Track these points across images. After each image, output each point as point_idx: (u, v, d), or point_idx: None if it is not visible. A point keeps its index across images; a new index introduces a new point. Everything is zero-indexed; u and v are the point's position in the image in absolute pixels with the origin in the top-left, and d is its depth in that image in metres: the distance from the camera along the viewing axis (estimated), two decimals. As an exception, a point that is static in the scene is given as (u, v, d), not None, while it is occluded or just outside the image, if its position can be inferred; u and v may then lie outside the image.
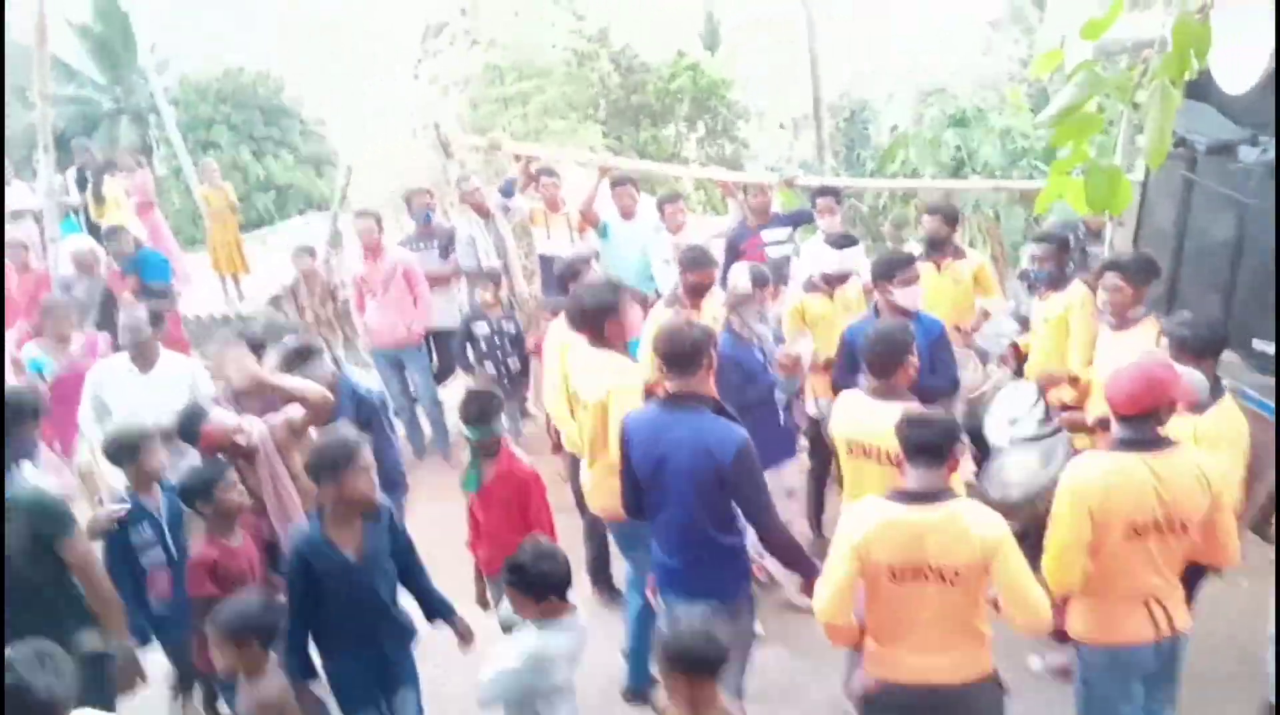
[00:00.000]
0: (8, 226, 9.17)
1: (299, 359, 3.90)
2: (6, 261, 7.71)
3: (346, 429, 3.23)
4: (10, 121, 17.56)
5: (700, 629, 2.45)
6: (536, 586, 2.86)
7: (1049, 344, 4.51)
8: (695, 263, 4.80)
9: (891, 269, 4.29)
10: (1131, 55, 3.41)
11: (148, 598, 3.61)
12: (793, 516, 4.16)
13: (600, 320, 3.69)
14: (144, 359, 4.71)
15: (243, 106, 19.33)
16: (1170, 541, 2.78)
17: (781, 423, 4.35)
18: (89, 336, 5.88)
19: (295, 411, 3.62)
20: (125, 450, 3.62)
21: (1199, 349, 3.27)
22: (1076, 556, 2.78)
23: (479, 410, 3.62)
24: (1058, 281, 4.55)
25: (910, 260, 4.37)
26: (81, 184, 9.20)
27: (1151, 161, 1.89)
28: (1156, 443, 2.78)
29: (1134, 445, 2.77)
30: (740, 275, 4.30)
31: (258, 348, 4.26)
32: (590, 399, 3.71)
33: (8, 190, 10.14)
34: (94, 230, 8.46)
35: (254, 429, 3.60)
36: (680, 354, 3.12)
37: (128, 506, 3.58)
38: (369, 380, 5.02)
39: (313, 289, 6.97)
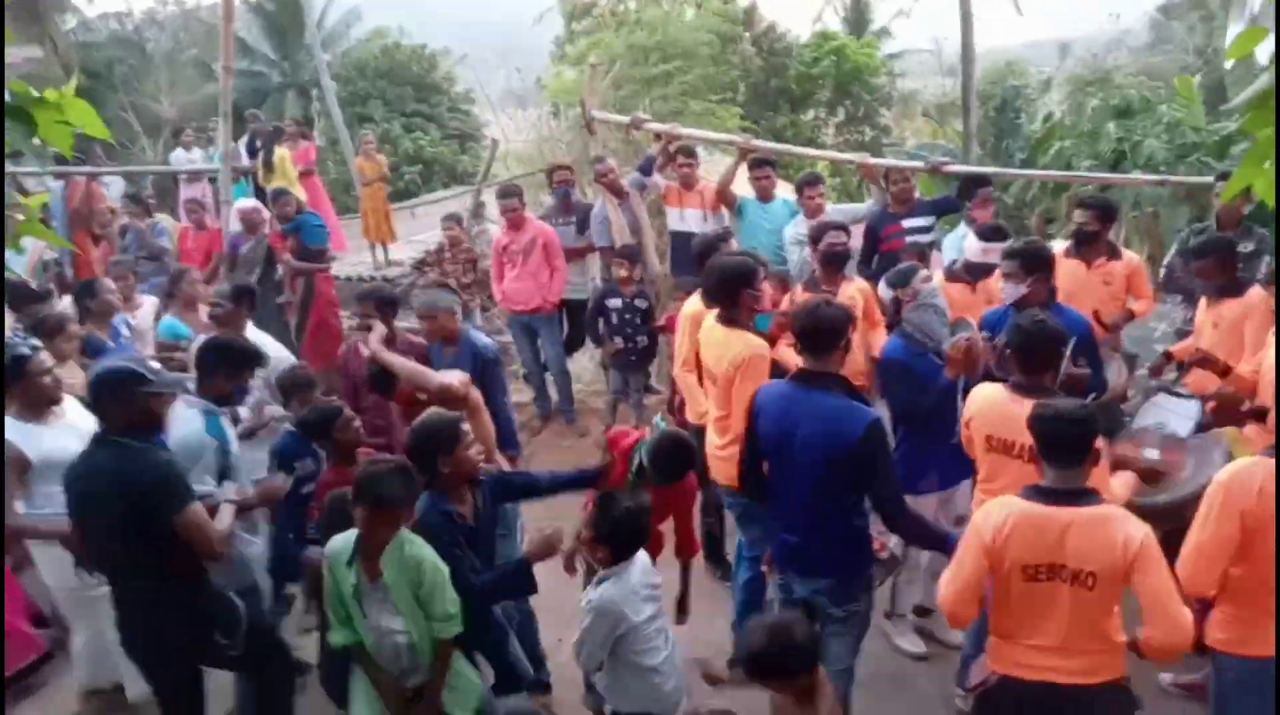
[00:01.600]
0: (187, 188, 10.03)
1: (297, 388, 4.29)
2: (185, 218, 8.45)
3: (447, 415, 3.39)
4: (192, 93, 19.12)
5: (773, 634, 2.59)
6: (615, 536, 3.00)
7: (1216, 351, 4.22)
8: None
9: (1001, 254, 4.14)
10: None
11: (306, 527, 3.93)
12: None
13: (736, 290, 3.72)
14: (231, 332, 4.66)
15: (397, 82, 20.28)
16: None
17: (958, 437, 3.65)
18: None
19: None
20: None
21: None
22: (1218, 558, 2.64)
23: (674, 471, 3.50)
24: (1230, 289, 4.25)
25: (1017, 253, 4.07)
26: (252, 151, 9.89)
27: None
28: None
29: None
30: (880, 287, 4.18)
31: (389, 305, 4.72)
32: (719, 370, 3.76)
33: (188, 155, 11.05)
34: (260, 194, 9.10)
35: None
36: (816, 332, 3.12)
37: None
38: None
39: (456, 256, 7.28)
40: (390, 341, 4.43)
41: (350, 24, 22.95)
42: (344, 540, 3.01)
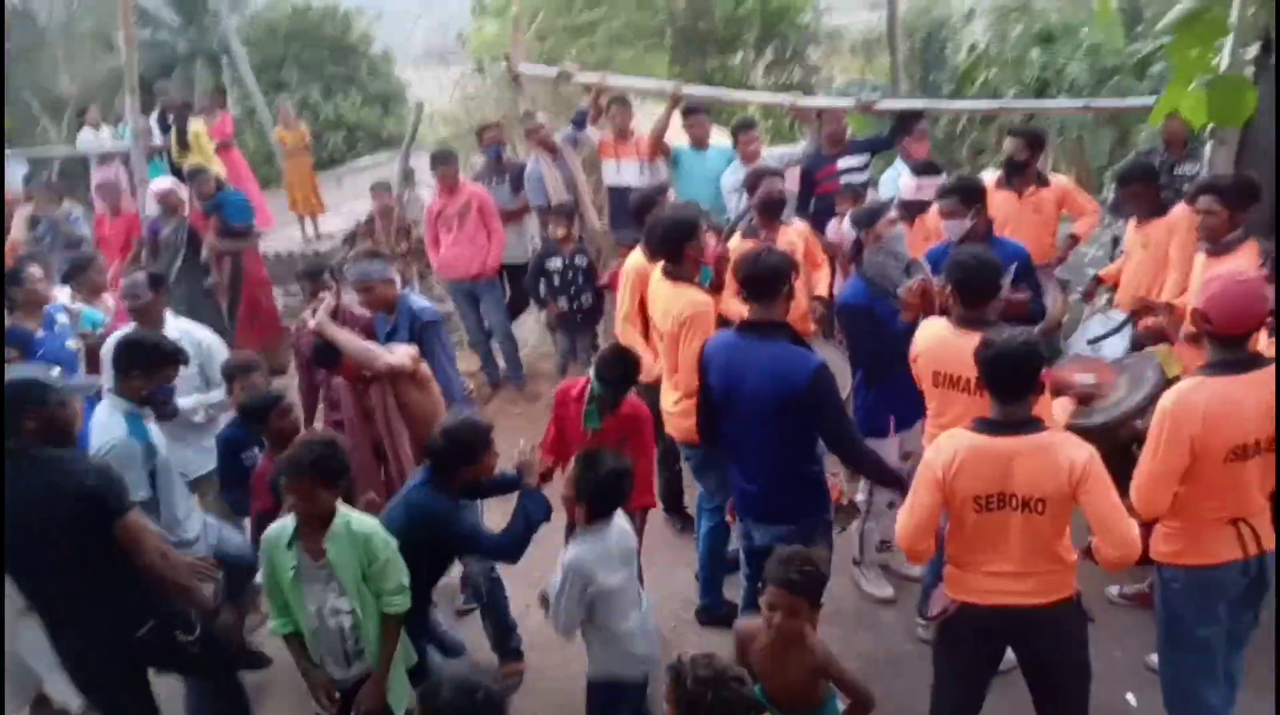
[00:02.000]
0: (98, 170, 9.55)
1: (240, 372, 4.16)
2: (99, 204, 8.06)
3: (473, 413, 3.42)
4: (93, 67, 18.13)
5: (810, 559, 2.68)
6: (595, 495, 2.98)
7: (1145, 271, 4.35)
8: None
9: (937, 197, 4.17)
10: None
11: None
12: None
13: (679, 243, 3.70)
14: (149, 324, 4.38)
15: (312, 45, 19.46)
16: (1267, 460, 2.73)
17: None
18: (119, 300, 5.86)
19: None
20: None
21: None
22: (1169, 483, 2.74)
23: (622, 374, 3.67)
24: (1156, 210, 4.35)
25: (948, 190, 4.14)
26: (164, 127, 9.45)
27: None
28: (1254, 362, 2.73)
29: (1233, 367, 2.71)
30: (844, 229, 4.17)
31: (317, 277, 4.65)
32: (665, 327, 3.74)
33: (95, 134, 10.51)
34: (177, 172, 8.71)
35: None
36: (760, 280, 3.12)
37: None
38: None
39: (387, 225, 7.09)
40: (335, 314, 4.31)
41: (256, -15, 21.89)
42: (281, 525, 2.97)
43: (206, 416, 4.41)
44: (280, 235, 10.04)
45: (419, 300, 4.56)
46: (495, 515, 3.86)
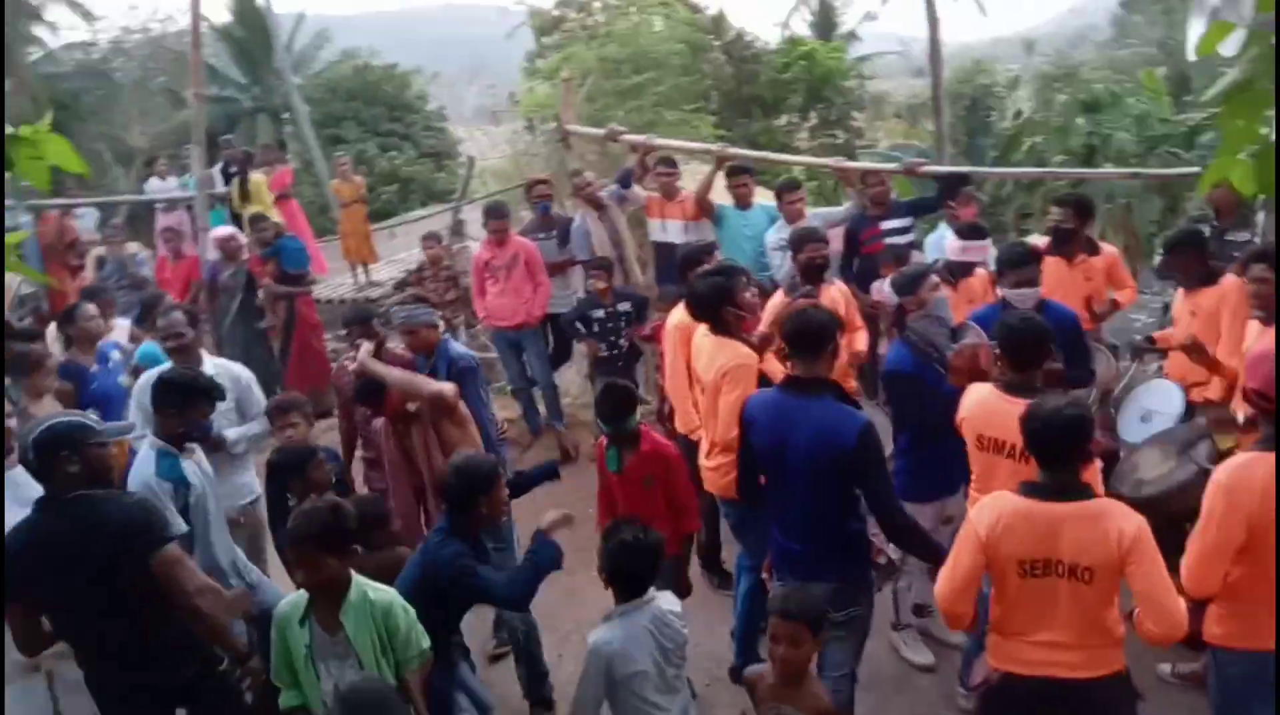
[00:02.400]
0: (163, 216, 9.95)
1: (281, 412, 4.17)
2: (162, 247, 8.39)
3: (484, 455, 3.46)
4: (163, 121, 18.99)
5: (807, 591, 2.76)
6: (616, 572, 2.91)
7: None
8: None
9: (1004, 264, 4.18)
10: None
11: None
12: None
13: (716, 308, 3.73)
14: (187, 361, 4.35)
15: (370, 103, 20.23)
16: None
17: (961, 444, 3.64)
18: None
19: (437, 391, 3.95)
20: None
21: None
22: (1222, 561, 2.64)
23: (613, 407, 3.74)
24: (1205, 278, 4.31)
25: (1025, 258, 4.17)
26: (226, 177, 9.84)
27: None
28: None
29: None
30: (885, 290, 4.13)
31: (363, 323, 4.66)
32: (707, 378, 3.77)
33: (162, 184, 10.96)
34: (237, 220, 9.05)
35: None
36: (805, 337, 3.13)
37: None
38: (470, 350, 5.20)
39: (437, 274, 7.26)
40: (378, 354, 4.43)
41: (320, 46, 22.90)
42: (292, 601, 2.87)
43: (247, 448, 4.49)
44: (333, 283, 10.34)
45: (458, 347, 4.67)
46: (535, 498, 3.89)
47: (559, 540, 3.22)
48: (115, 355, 5.17)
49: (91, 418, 3.24)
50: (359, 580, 2.84)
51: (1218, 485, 2.64)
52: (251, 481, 4.38)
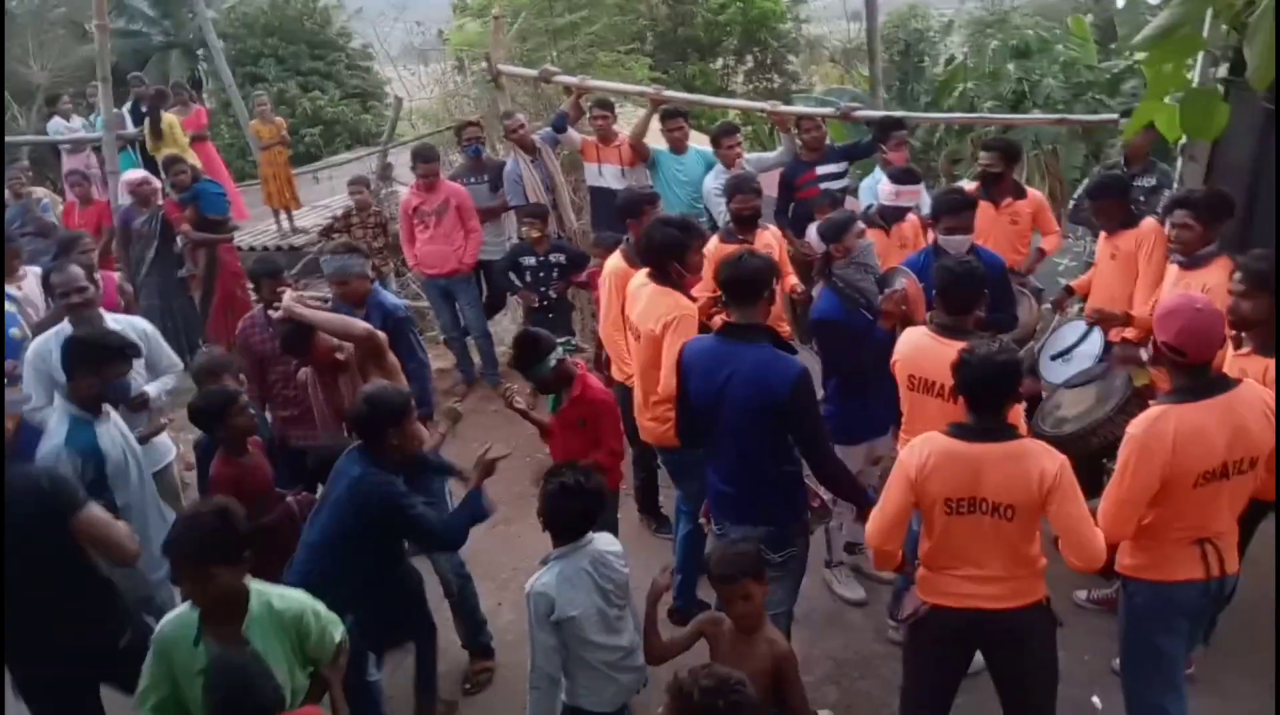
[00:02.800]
0: (69, 159, 9.41)
1: (210, 376, 3.99)
2: (69, 192, 7.93)
3: (396, 387, 3.40)
4: (65, 56, 17.84)
5: (739, 543, 2.82)
6: (553, 517, 2.91)
7: (1114, 282, 4.41)
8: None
9: (941, 210, 4.23)
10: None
11: None
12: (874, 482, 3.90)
13: (666, 258, 3.69)
14: (88, 320, 4.04)
15: (290, 39, 19.32)
16: (1237, 483, 2.74)
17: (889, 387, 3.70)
18: (106, 276, 5.56)
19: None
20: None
21: (1264, 283, 3.14)
22: (1136, 508, 2.75)
23: (525, 356, 3.75)
24: (1125, 222, 4.43)
25: (962, 204, 4.21)
26: (137, 117, 9.31)
27: (1258, 85, 1.80)
28: (1219, 385, 2.74)
29: (1200, 392, 2.71)
30: (811, 237, 4.12)
31: (276, 276, 4.57)
32: (645, 327, 3.75)
33: (67, 124, 10.35)
34: (150, 163, 8.59)
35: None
36: (741, 284, 3.12)
37: None
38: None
39: (365, 220, 7.03)
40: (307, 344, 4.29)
41: (234, -23, 21.67)
42: (178, 619, 2.56)
43: (166, 404, 4.32)
44: (255, 229, 9.94)
45: (390, 297, 4.54)
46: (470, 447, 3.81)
47: (495, 485, 3.22)
48: (10, 308, 4.84)
49: None
50: (257, 588, 2.59)
51: (1132, 438, 2.74)
52: (167, 441, 4.23)
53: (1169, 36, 1.74)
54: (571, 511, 2.89)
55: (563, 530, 2.91)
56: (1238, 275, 3.24)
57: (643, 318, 3.80)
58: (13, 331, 4.52)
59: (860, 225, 4.06)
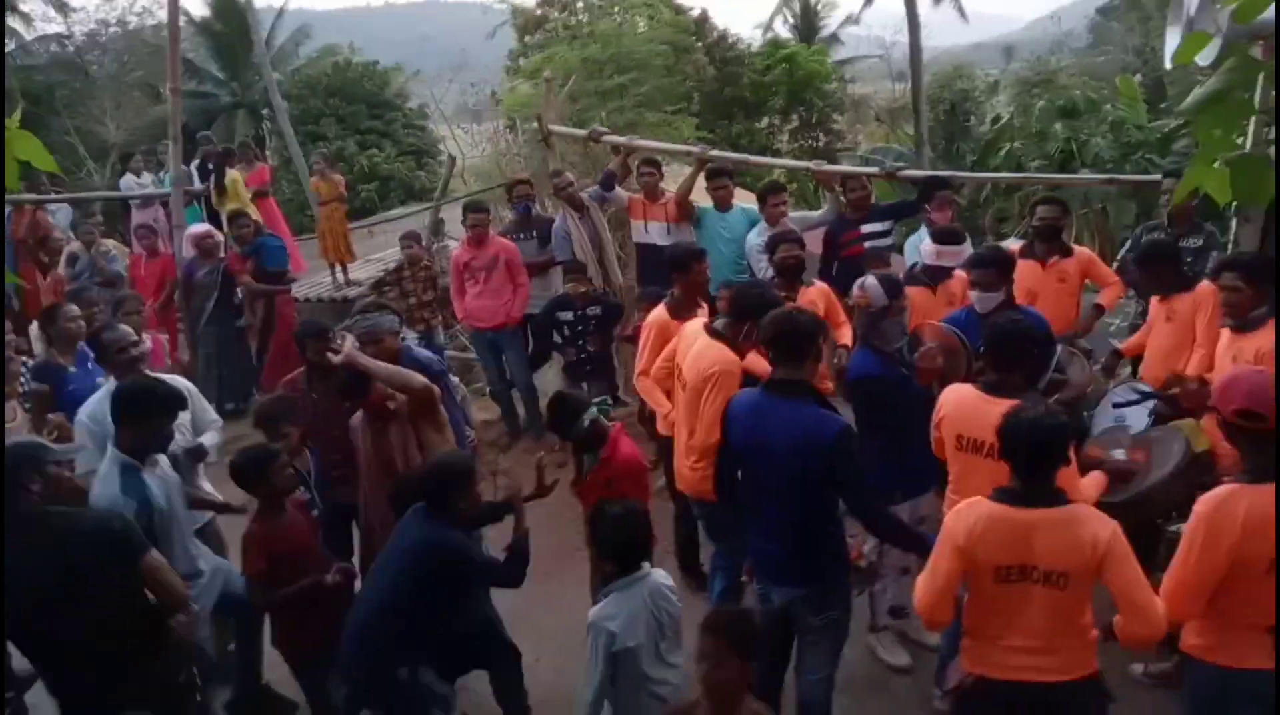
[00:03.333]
0: (138, 213, 9.82)
1: (277, 421, 4.09)
2: (136, 245, 8.28)
3: (460, 452, 3.59)
4: (141, 117, 18.76)
5: (743, 611, 2.68)
6: (607, 548, 2.98)
7: (1169, 345, 4.33)
8: (776, 241, 4.86)
9: (969, 267, 4.23)
10: (1262, 41, 3.24)
11: None
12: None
13: (746, 318, 3.73)
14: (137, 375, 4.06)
15: (350, 100, 20.11)
16: None
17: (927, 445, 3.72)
18: (154, 338, 5.79)
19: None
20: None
21: None
22: (1203, 591, 2.62)
23: (557, 418, 3.82)
24: (1180, 285, 4.37)
25: (983, 260, 4.22)
26: (203, 174, 9.73)
27: (1310, 148, 1.80)
28: None
29: (1269, 473, 2.56)
30: (873, 288, 4.02)
31: (321, 337, 4.53)
32: (690, 378, 3.78)
33: (137, 180, 10.83)
34: (214, 218, 8.94)
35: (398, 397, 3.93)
36: (789, 340, 3.14)
37: None
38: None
39: (416, 274, 7.21)
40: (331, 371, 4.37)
41: (299, 42, 22.74)
42: None
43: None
44: (311, 282, 10.24)
45: (423, 352, 4.61)
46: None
47: (535, 537, 3.32)
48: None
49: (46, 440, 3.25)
50: None
51: (1199, 516, 2.61)
52: (212, 493, 4.30)
53: (1220, 101, 1.75)
54: (620, 537, 2.96)
55: (619, 560, 2.97)
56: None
57: (690, 366, 3.85)
58: (100, 381, 4.58)
59: (906, 294, 4.08)
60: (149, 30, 20.16)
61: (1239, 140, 1.82)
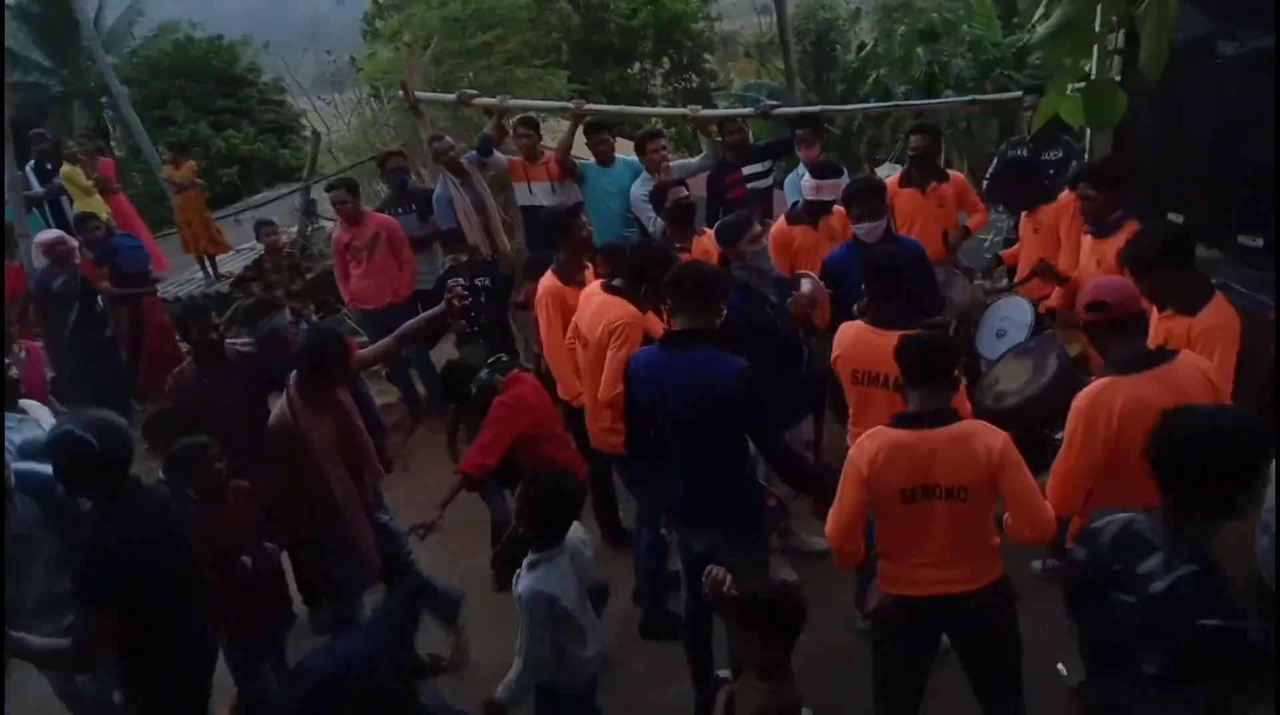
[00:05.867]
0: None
1: (258, 314, 4.19)
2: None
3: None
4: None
5: (789, 592, 2.56)
6: (536, 518, 2.96)
7: (1039, 254, 4.54)
8: (661, 190, 4.85)
9: (849, 199, 4.33)
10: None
11: None
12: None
13: (643, 277, 3.73)
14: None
15: (197, 79, 18.85)
16: None
17: (798, 372, 4.01)
18: (29, 347, 5.46)
19: None
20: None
21: (1155, 261, 3.11)
22: (1084, 481, 2.80)
23: (447, 387, 3.92)
24: (1041, 198, 4.57)
25: (864, 192, 4.32)
26: (41, 176, 8.99)
27: (1150, 72, 1.89)
28: (1159, 357, 2.78)
29: (1141, 363, 2.75)
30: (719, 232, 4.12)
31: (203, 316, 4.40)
32: (593, 337, 3.76)
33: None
34: (61, 223, 8.30)
35: None
36: (692, 290, 3.14)
37: None
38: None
39: (279, 263, 6.89)
40: (221, 356, 4.24)
41: (132, 21, 21.04)
42: None
43: None
44: (180, 279, 9.67)
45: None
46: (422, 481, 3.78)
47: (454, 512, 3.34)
48: None
49: None
50: None
51: (1077, 412, 2.78)
52: None
53: (1064, 33, 1.81)
54: (558, 516, 2.96)
55: (546, 535, 2.95)
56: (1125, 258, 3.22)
57: (590, 325, 3.83)
58: None
59: (756, 229, 4.06)
60: (-42, 19, 18.32)
61: (1086, 68, 1.91)
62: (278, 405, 3.65)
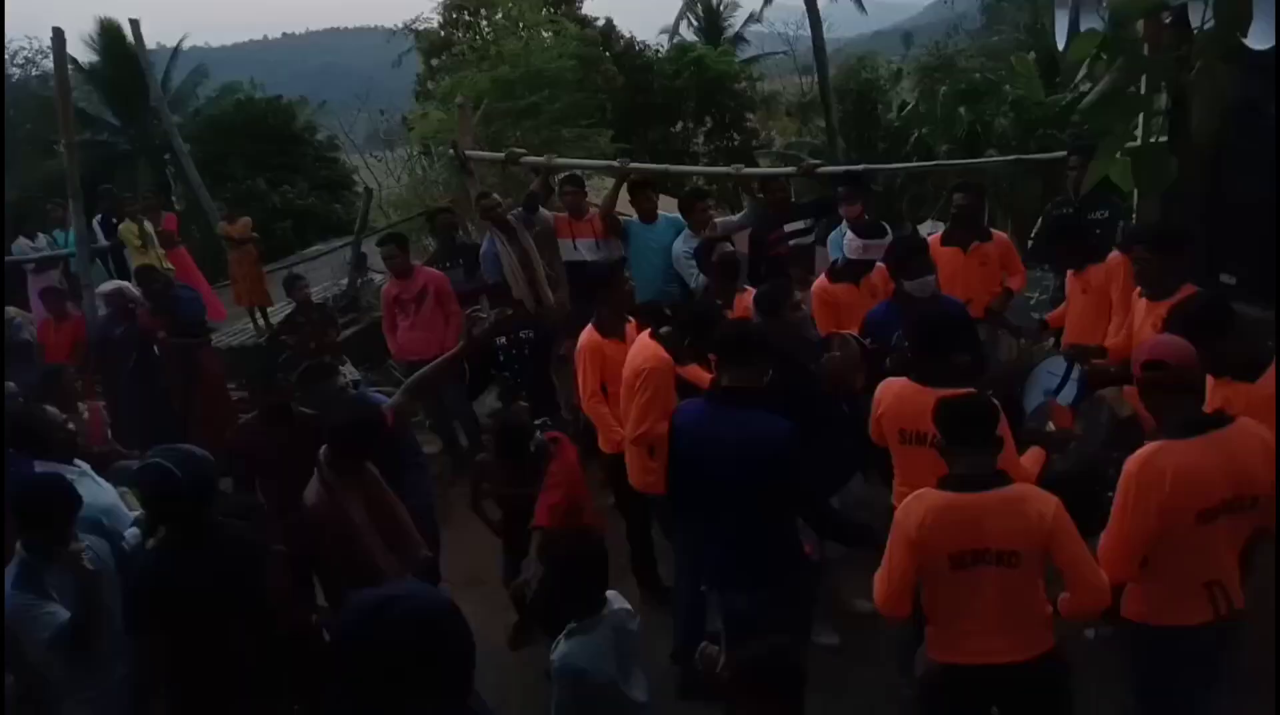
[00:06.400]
0: (36, 277, 9.36)
1: (316, 378, 4.18)
2: (42, 310, 7.90)
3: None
4: (32, 173, 17.93)
5: (783, 648, 2.40)
6: (563, 588, 2.86)
7: (1087, 316, 4.49)
8: (707, 246, 4.88)
9: (900, 259, 4.32)
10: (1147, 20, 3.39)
11: None
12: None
13: (698, 337, 3.78)
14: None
15: (256, 137, 19.59)
16: (1238, 520, 2.70)
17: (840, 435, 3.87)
18: (93, 408, 5.46)
19: None
20: None
21: (1195, 332, 2.97)
22: (1137, 548, 2.71)
23: (509, 445, 3.84)
24: (1090, 257, 4.54)
25: (913, 247, 4.34)
26: (107, 230, 9.35)
27: (1202, 138, 1.89)
28: (1214, 422, 2.71)
29: (1194, 428, 2.67)
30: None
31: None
32: (626, 377, 3.82)
33: (32, 243, 10.29)
34: (123, 275, 8.59)
35: None
36: (742, 347, 3.16)
37: None
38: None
39: (310, 316, 7.03)
40: (287, 418, 4.28)
41: (197, 82, 22.01)
42: None
43: None
44: (233, 330, 9.92)
45: (378, 394, 4.52)
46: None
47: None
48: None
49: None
50: None
51: (1128, 476, 2.70)
52: None
53: (1111, 99, 1.84)
54: (585, 573, 2.81)
55: (579, 598, 2.80)
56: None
57: (627, 367, 3.90)
58: None
59: (796, 296, 4.08)
60: (35, 82, 19.32)
61: (1135, 132, 1.93)
62: (311, 485, 3.48)
